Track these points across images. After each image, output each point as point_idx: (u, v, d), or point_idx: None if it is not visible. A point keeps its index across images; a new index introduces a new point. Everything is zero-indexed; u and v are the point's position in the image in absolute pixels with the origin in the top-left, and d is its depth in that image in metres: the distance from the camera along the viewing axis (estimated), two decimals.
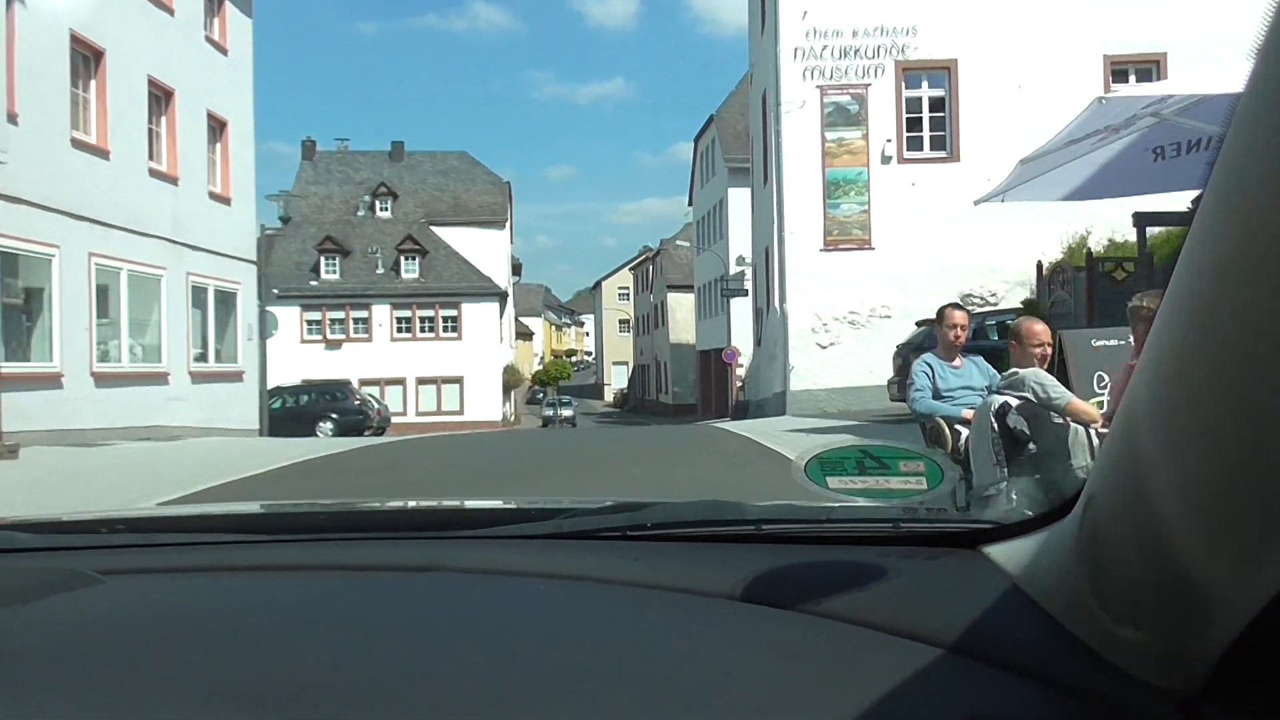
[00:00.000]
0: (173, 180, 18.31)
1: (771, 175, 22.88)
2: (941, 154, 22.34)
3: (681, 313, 56.93)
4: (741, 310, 41.67)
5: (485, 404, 43.51)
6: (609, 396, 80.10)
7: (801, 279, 22.21)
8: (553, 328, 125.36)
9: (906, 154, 22.30)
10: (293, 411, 25.43)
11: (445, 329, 44.01)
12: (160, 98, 18.12)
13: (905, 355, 14.25)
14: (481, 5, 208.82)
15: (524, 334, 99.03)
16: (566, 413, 48.56)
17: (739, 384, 43.18)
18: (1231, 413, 0.49)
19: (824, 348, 22.14)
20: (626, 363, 79.13)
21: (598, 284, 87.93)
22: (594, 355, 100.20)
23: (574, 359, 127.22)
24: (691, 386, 54.82)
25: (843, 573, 0.99)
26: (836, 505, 1.25)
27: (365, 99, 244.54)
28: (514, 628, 0.93)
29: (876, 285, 22.16)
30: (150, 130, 17.87)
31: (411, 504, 1.92)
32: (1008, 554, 0.96)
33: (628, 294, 79.99)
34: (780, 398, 22.52)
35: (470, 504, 1.80)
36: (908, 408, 6.01)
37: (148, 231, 17.42)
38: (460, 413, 43.37)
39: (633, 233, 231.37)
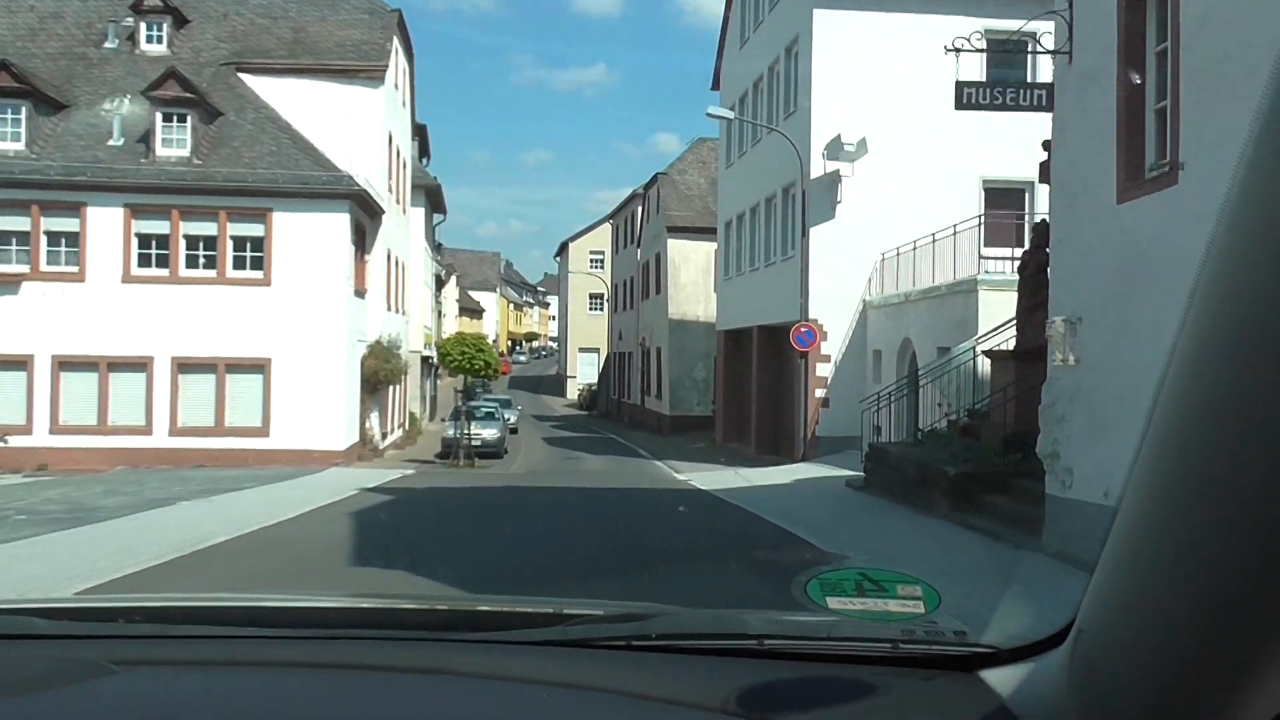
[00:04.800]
0: None
1: None
2: None
3: (690, 271, 36.18)
4: (831, 248, 21.12)
5: (316, 417, 21.66)
6: (573, 393, 59.09)
7: None
8: (510, 306, 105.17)
9: None
10: None
11: (240, 262, 22.13)
12: None
13: None
14: None
15: (472, 309, 79.27)
16: (488, 432, 26.21)
17: (821, 396, 22.33)
18: (1236, 522, 0.50)
19: None
20: (598, 349, 58.29)
21: (564, 246, 66.33)
22: (558, 340, 78.68)
23: (535, 343, 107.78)
24: (702, 389, 34.52)
25: (840, 690, 1.02)
26: (838, 621, 1.24)
27: None
28: None
29: None
30: None
31: (420, 604, 1.77)
32: (1001, 679, 0.99)
33: (603, 260, 59.21)
34: None
35: (478, 606, 1.71)
36: None
37: None
38: (264, 432, 21.63)
39: None
